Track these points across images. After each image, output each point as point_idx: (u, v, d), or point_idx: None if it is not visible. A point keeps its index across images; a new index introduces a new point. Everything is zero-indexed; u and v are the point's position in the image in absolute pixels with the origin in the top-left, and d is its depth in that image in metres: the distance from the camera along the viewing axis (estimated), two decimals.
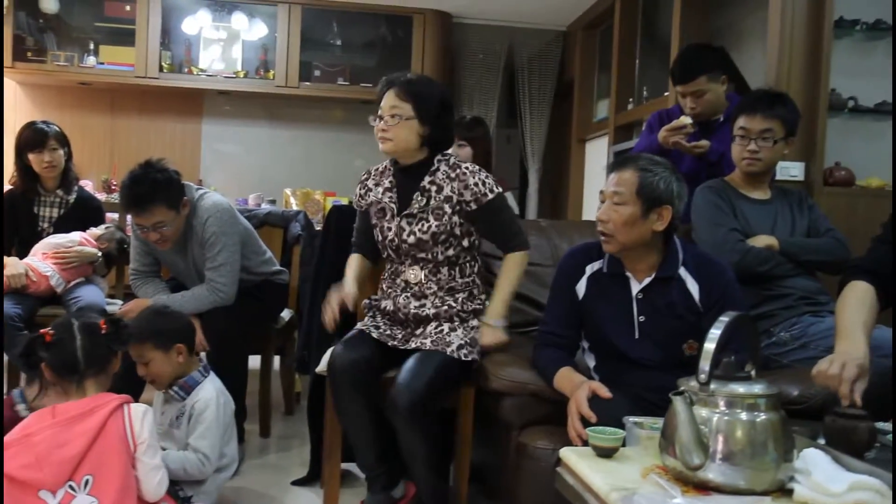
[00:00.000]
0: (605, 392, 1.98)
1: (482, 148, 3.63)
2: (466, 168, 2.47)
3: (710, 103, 3.03)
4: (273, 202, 5.52)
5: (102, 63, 5.78)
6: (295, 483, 2.85)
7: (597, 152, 5.82)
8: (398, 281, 2.52)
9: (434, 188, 2.45)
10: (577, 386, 2.03)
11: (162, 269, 3.20)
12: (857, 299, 1.93)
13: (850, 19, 3.24)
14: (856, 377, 1.72)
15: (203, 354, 2.79)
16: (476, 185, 2.43)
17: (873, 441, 1.62)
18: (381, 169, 2.58)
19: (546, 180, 6.88)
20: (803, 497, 1.43)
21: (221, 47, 6.03)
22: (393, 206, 2.49)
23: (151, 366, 2.36)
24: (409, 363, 2.32)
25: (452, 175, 2.45)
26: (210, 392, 2.38)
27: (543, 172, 6.80)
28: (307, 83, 6.01)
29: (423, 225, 2.44)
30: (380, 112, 2.43)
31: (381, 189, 2.53)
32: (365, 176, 2.61)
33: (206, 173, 6.27)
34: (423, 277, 2.47)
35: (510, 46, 6.61)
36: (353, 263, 2.64)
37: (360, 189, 2.60)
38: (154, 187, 2.78)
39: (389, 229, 2.49)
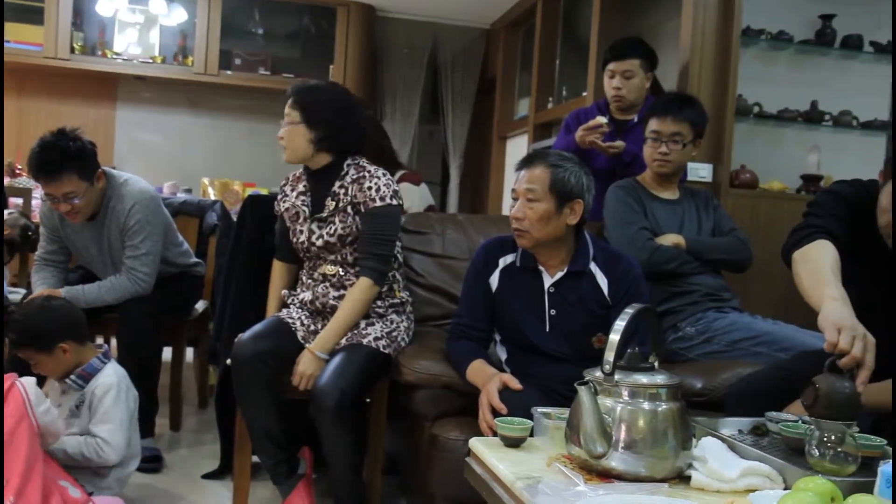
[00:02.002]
0: (515, 384, 2.02)
1: (370, 143, 3.61)
2: (370, 171, 2.49)
3: (634, 88, 3.13)
4: (189, 191, 5.38)
5: (8, 41, 5.52)
6: (205, 477, 2.80)
7: (517, 149, 5.90)
8: (316, 275, 2.54)
9: (342, 191, 2.47)
10: (488, 378, 2.06)
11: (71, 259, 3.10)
12: (834, 262, 1.79)
13: (756, 29, 3.38)
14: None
15: (114, 343, 2.71)
16: (370, 188, 2.45)
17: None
18: (297, 175, 2.62)
19: (467, 176, 6.93)
20: (700, 483, 1.49)
21: (138, 31, 5.85)
22: (305, 209, 2.52)
23: (40, 366, 2.30)
24: (333, 362, 2.32)
25: (357, 177, 2.48)
26: (111, 377, 2.31)
27: (465, 168, 6.86)
28: (227, 71, 5.88)
29: (330, 228, 2.47)
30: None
31: (295, 194, 2.57)
32: (283, 182, 2.66)
33: (120, 160, 6.07)
34: (340, 270, 2.49)
35: (434, 42, 6.63)
36: (276, 279, 2.67)
37: (279, 195, 2.64)
38: (65, 155, 2.70)
39: (301, 232, 2.53)
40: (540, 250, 2.23)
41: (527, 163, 2.21)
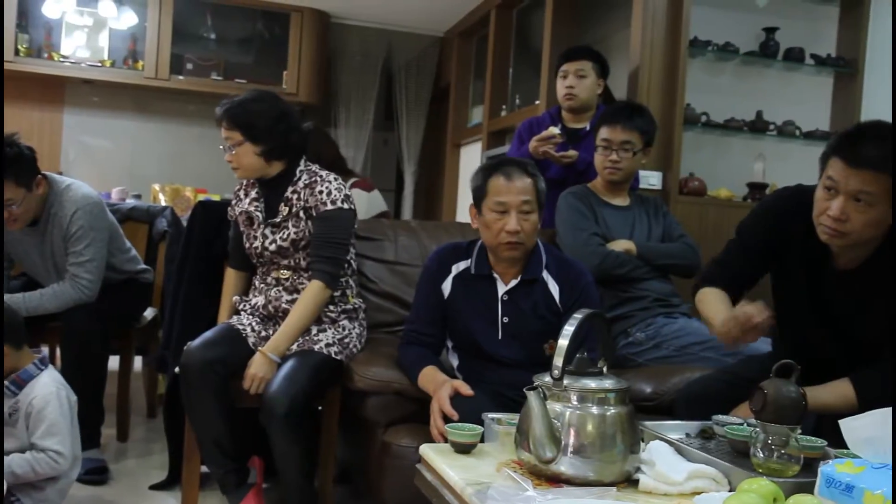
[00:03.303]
0: (466, 390, 2.02)
1: (321, 157, 3.60)
2: (321, 176, 2.49)
3: (586, 88, 3.17)
4: (138, 197, 5.30)
5: None
6: (153, 487, 2.75)
7: (471, 157, 5.92)
8: (269, 279, 2.52)
9: (295, 196, 2.46)
10: (439, 384, 2.06)
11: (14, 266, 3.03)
12: (718, 297, 2.07)
13: (703, 40, 3.45)
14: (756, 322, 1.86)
15: (45, 349, 2.64)
16: (321, 192, 2.44)
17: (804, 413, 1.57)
18: (251, 180, 2.59)
19: (421, 183, 6.95)
20: (647, 486, 1.50)
21: (86, 34, 5.74)
22: (259, 214, 2.51)
23: None
24: (284, 368, 2.30)
25: (309, 182, 2.47)
26: (48, 387, 2.24)
27: (419, 175, 6.87)
28: (179, 76, 5.81)
29: (283, 233, 2.46)
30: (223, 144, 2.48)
31: (248, 199, 2.55)
32: (237, 187, 2.63)
33: (67, 165, 5.94)
34: (292, 274, 2.48)
35: (388, 50, 6.63)
36: (228, 286, 2.65)
37: (233, 200, 2.62)
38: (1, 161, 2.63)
39: (255, 237, 2.51)
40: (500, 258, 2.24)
41: (508, 174, 2.15)
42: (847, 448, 1.49)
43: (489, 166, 2.22)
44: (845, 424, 1.38)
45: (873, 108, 3.46)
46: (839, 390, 1.86)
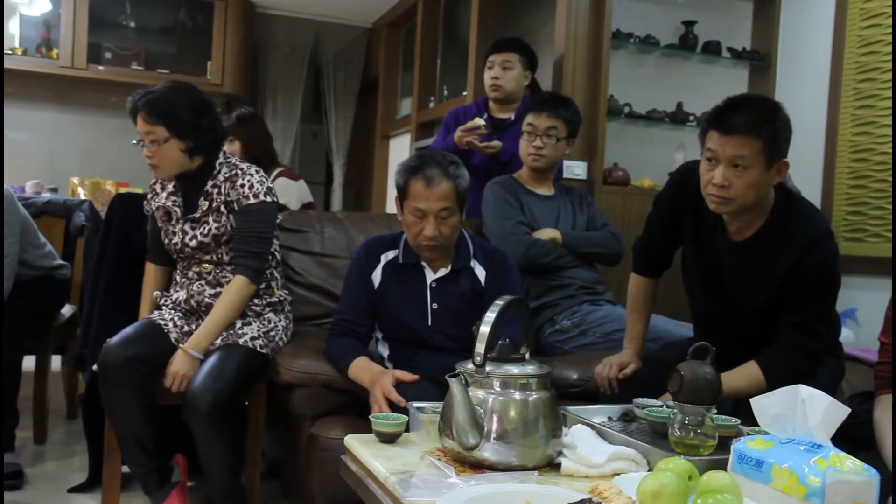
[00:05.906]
0: (409, 377, 2.03)
1: (255, 144, 3.59)
2: (242, 169, 2.43)
3: (512, 79, 3.20)
4: (55, 190, 5.10)
5: None
6: (72, 490, 2.66)
7: (400, 148, 5.91)
8: (190, 273, 2.47)
9: (215, 191, 2.40)
10: (378, 374, 2.05)
11: None
12: (635, 303, 2.31)
13: (626, 32, 3.51)
14: (615, 373, 2.21)
15: None
16: (243, 185, 2.38)
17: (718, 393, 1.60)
18: None
19: (351, 175, 6.90)
20: (569, 470, 1.52)
21: None
22: (177, 209, 2.43)
23: None
24: (208, 363, 2.25)
25: (229, 175, 2.41)
26: None
27: (348, 167, 6.82)
28: (97, 66, 5.63)
29: (204, 228, 2.40)
30: (139, 137, 2.36)
31: (165, 193, 2.47)
32: (153, 180, 2.54)
33: None
34: (215, 268, 2.43)
35: (316, 41, 6.56)
36: (149, 282, 2.57)
37: (149, 194, 2.53)
38: None
39: (174, 233, 2.44)
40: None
41: (429, 178, 2.13)
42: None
43: (411, 167, 2.18)
44: (756, 403, 1.43)
45: (785, 99, 3.55)
46: (748, 373, 1.94)
